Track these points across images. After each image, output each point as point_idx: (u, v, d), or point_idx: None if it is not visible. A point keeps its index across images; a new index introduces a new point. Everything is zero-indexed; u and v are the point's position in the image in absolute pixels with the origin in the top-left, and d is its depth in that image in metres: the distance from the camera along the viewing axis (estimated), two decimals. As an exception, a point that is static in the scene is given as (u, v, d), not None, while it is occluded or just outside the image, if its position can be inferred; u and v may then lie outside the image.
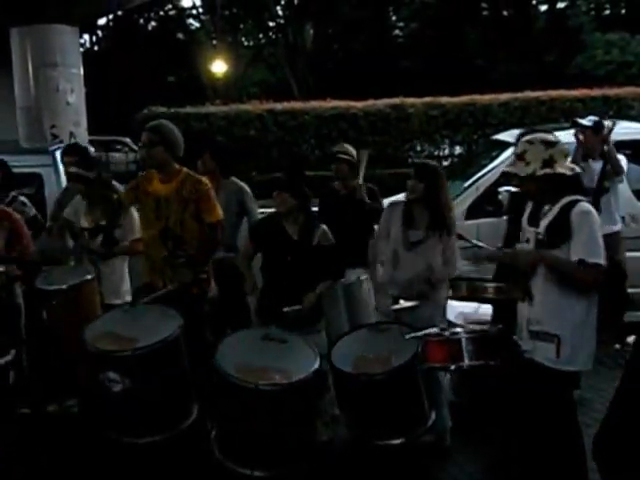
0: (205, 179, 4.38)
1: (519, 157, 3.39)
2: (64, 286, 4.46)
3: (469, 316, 4.57)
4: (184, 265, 4.25)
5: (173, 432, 3.76)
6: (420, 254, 4.17)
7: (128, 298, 4.80)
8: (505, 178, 4.50)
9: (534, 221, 3.42)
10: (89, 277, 4.55)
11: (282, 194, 4.29)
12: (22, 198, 5.54)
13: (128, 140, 20.84)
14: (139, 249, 4.63)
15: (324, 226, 4.41)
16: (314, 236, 4.35)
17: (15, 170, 6.38)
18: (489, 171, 6.44)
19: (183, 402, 3.85)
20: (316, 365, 3.59)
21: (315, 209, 5.30)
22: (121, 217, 4.67)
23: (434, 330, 3.76)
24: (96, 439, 4.06)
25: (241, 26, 29.20)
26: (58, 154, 6.77)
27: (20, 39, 9.91)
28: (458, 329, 3.87)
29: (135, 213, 4.80)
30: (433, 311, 4.15)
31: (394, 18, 30.79)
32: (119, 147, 21.54)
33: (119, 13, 24.51)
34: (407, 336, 3.57)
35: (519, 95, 16.00)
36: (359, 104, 16.28)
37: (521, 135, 3.63)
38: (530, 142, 3.39)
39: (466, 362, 3.67)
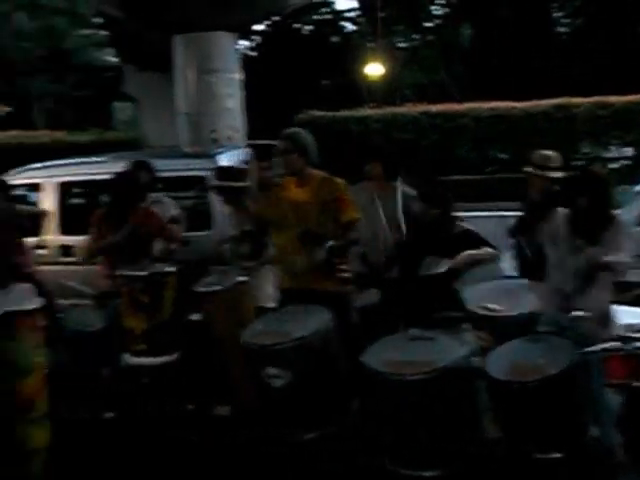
0: (341, 180, 4.71)
1: None
2: (219, 287, 4.66)
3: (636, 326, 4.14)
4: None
5: (333, 429, 3.86)
6: (584, 258, 3.98)
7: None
8: None
9: None
10: (242, 279, 4.73)
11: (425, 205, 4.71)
12: (165, 199, 5.78)
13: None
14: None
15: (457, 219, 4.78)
16: (453, 227, 4.69)
17: (179, 174, 6.79)
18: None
19: (341, 398, 3.96)
20: (463, 353, 3.65)
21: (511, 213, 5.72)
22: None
23: (613, 344, 3.57)
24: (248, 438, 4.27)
25: (397, 27, 29.04)
26: (219, 158, 7.06)
27: (183, 47, 10.28)
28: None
29: None
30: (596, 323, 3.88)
31: (558, 14, 29.31)
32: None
33: (275, 19, 25.10)
34: (584, 350, 3.40)
35: (702, 92, 14.60)
36: (521, 104, 15.54)
37: None
38: None
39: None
